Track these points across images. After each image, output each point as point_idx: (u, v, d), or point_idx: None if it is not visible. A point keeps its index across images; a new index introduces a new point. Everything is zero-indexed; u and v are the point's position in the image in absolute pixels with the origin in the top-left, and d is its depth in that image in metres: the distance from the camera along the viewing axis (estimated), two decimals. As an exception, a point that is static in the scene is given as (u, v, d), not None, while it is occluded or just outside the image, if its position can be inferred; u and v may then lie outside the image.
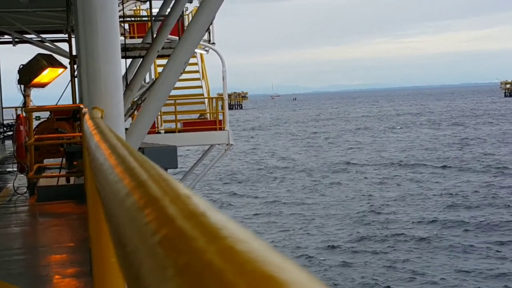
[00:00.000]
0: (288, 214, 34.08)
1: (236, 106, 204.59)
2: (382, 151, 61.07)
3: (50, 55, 19.61)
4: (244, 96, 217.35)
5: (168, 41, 17.85)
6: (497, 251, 25.73)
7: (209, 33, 24.07)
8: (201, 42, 22.28)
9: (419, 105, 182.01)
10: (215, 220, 0.75)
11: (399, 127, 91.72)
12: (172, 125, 24.24)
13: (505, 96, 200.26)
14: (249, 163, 55.66)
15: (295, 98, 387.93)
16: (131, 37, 24.28)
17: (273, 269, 0.53)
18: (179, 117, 24.30)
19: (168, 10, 17.88)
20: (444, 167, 48.69)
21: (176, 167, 16.82)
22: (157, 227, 0.80)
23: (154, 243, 0.76)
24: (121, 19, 17.82)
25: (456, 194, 37.44)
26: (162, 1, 19.47)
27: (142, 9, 25.69)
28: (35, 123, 14.62)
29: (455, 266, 23.93)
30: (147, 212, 0.88)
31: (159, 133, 23.52)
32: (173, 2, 17.32)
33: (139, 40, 21.20)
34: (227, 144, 22.85)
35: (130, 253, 0.86)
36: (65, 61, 19.73)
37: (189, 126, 23.78)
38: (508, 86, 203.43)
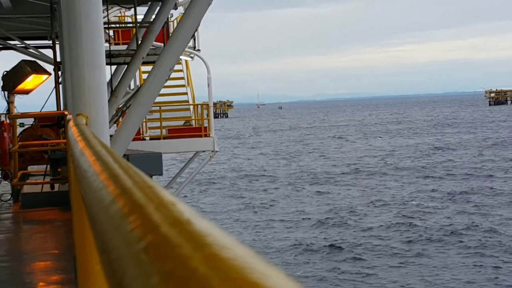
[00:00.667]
0: (269, 220, 34.41)
1: (222, 115, 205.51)
2: (356, 159, 61.90)
3: (34, 61, 19.54)
4: (229, 105, 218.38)
5: (153, 47, 17.83)
6: (469, 257, 26.06)
7: (194, 39, 24.08)
8: (186, 49, 22.28)
9: (400, 113, 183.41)
10: (200, 227, 0.74)
11: (377, 136, 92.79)
12: (157, 132, 24.20)
13: (490, 105, 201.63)
14: (230, 171, 56.33)
15: (281, 107, 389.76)
16: (116, 44, 24.24)
17: (258, 276, 0.53)
18: (164, 124, 24.26)
19: (153, 16, 17.87)
20: (416, 174, 49.55)
21: (161, 174, 16.79)
22: (142, 234, 0.79)
23: (139, 250, 0.75)
24: (106, 26, 17.79)
25: (428, 200, 37.99)
26: (147, 8, 19.46)
27: (127, 16, 25.66)
28: (19, 129, 14.56)
29: (428, 273, 24.18)
30: (131, 219, 0.88)
31: (144, 140, 23.46)
32: (158, 8, 17.31)
33: (124, 47, 21.16)
34: (212, 151, 22.83)
35: (114, 260, 0.86)
36: (50, 67, 19.67)
37: (174, 133, 23.75)
38: (492, 95, 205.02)
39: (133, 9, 18.69)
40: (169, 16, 21.00)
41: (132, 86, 24.67)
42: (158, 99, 19.79)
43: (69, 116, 8.06)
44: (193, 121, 25.05)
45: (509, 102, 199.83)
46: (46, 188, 12.56)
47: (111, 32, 23.79)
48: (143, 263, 0.71)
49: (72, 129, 4.50)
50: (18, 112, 17.90)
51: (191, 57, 25.14)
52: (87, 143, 2.63)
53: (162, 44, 18.05)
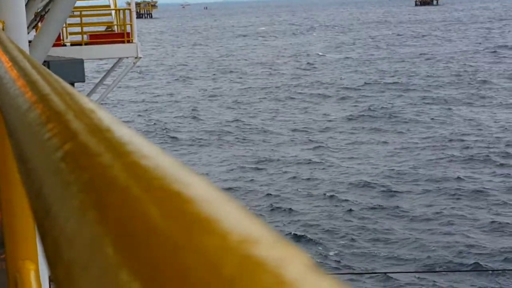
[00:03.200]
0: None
1: (146, 15, 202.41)
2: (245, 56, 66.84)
3: None
4: (153, 5, 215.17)
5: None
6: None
7: None
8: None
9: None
10: (121, 135, 0.72)
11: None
12: (79, 38, 23.62)
13: (416, 5, 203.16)
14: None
15: (206, 7, 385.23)
16: None
17: (180, 185, 0.52)
18: (85, 29, 23.66)
19: None
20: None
21: (84, 81, 16.53)
22: (60, 143, 0.77)
23: (57, 159, 0.73)
24: None
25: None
26: None
27: None
28: None
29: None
30: (49, 127, 0.85)
31: (65, 45, 22.88)
32: None
33: None
34: (135, 57, 22.45)
35: (31, 170, 0.83)
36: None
37: (96, 39, 23.21)
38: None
39: None
40: None
41: (51, -10, 23.86)
42: (79, 3, 19.22)
43: (-16, 21, 7.77)
44: (115, 26, 24.51)
45: (435, 2, 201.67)
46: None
47: None
48: (61, 172, 0.68)
49: (-12, 34, 4.34)
50: None
51: (112, -40, 24.39)
52: (3, 48, 2.54)
53: None
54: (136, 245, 0.43)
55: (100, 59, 26.82)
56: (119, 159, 0.63)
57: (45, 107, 0.99)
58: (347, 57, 62.36)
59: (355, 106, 40.43)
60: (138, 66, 58.61)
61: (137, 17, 23.84)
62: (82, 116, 0.85)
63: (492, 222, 21.74)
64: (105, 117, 0.83)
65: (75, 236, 0.53)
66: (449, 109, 37.98)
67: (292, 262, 0.34)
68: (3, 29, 6.19)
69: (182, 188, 0.50)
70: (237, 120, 36.37)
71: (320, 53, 70.08)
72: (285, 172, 27.41)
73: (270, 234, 0.38)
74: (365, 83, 47.21)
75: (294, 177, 26.82)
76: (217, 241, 0.37)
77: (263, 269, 0.33)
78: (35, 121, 0.97)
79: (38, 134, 0.88)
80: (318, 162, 28.59)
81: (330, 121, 36.75)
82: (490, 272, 18.34)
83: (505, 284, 17.85)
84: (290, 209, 23.29)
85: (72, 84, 18.08)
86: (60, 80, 1.29)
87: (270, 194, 24.74)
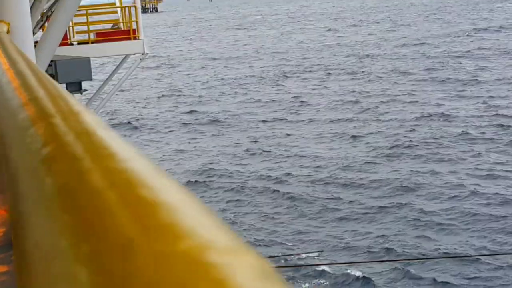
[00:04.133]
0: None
1: (152, 10, 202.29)
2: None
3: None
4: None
5: None
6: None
7: None
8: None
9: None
10: (102, 138, 0.72)
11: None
12: (86, 36, 23.65)
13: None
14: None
15: None
16: None
17: (149, 191, 0.52)
18: (91, 27, 23.70)
19: None
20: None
21: (91, 79, 16.58)
22: (41, 145, 0.77)
23: (38, 160, 0.73)
24: None
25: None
26: None
27: None
28: None
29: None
30: (33, 130, 0.85)
31: (72, 44, 22.93)
32: None
33: None
34: (142, 54, 22.50)
35: (14, 169, 0.83)
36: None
37: (102, 37, 23.25)
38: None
39: None
40: None
41: (57, -11, 23.89)
42: (84, 2, 19.26)
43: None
44: (121, 23, 24.56)
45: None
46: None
47: None
48: (39, 173, 0.69)
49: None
50: None
51: (118, -41, 24.43)
52: (4, 51, 2.55)
53: None
54: (97, 248, 0.44)
55: (107, 56, 26.87)
56: (97, 162, 0.64)
57: (31, 109, 1.00)
58: (340, 44, 63.38)
59: (347, 89, 41.51)
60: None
61: (142, 12, 23.87)
62: (68, 119, 0.85)
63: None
64: (90, 120, 0.83)
65: (44, 238, 0.53)
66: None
67: (243, 268, 0.34)
68: (8, 31, 6.21)
69: (149, 193, 0.51)
70: (232, 109, 37.41)
71: (314, 41, 71.06)
72: (281, 152, 28.15)
73: (227, 240, 0.38)
74: (360, 70, 48.00)
75: (288, 156, 27.70)
76: (169, 245, 0.37)
77: (209, 275, 0.33)
78: (22, 123, 0.97)
79: (22, 136, 0.88)
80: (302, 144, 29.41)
81: (323, 102, 38.13)
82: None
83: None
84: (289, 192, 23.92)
85: (80, 83, 18.09)
86: (53, 82, 1.30)
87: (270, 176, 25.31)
